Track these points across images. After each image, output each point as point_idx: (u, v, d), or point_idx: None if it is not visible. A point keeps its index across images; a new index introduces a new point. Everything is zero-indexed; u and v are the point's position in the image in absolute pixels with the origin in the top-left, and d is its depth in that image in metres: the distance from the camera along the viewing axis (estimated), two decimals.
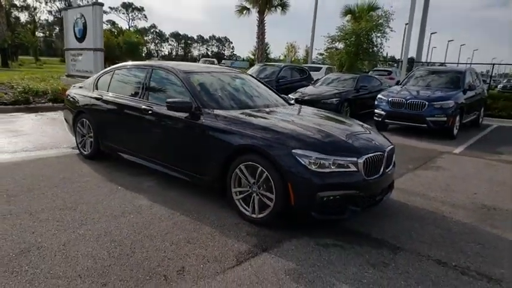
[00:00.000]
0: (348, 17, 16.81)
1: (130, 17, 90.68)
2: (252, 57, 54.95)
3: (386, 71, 18.24)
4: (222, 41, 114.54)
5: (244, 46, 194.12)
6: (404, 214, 3.86)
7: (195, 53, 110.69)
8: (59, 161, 5.05)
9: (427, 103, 8.03)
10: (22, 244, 2.77)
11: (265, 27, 16.02)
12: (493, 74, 21.74)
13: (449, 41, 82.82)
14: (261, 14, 16.11)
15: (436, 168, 5.86)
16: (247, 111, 3.90)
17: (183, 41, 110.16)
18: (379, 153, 3.40)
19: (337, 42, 15.68)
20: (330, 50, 16.11)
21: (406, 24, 15.33)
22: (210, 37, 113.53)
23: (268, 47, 54.11)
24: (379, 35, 14.88)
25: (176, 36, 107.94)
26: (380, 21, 14.62)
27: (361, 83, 10.56)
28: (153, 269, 2.56)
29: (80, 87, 5.58)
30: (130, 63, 5.15)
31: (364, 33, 14.72)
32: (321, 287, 2.47)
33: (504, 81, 33.13)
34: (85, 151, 5.25)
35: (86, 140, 5.23)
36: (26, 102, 9.19)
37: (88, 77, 12.05)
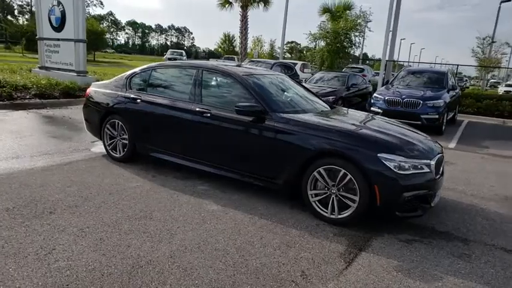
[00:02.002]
0: (326, 15, 17.28)
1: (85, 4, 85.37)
2: (220, 50, 54.49)
3: (359, 69, 19.03)
4: (182, 31, 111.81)
5: (208, 38, 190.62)
6: (449, 208, 4.22)
7: (153, 42, 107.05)
8: (91, 165, 4.82)
9: (421, 102, 8.61)
10: (128, 259, 2.69)
11: (248, 23, 16.02)
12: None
13: (401, 39, 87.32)
14: (244, 8, 16.05)
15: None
16: (313, 114, 4.03)
17: (140, 30, 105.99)
18: (440, 155, 3.71)
19: (318, 40, 16.11)
20: (311, 49, 16.51)
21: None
22: (169, 27, 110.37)
23: (234, 40, 53.96)
24: (357, 34, 15.50)
25: (133, 24, 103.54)
26: (359, 21, 15.23)
27: (351, 81, 11.00)
28: (277, 275, 2.63)
29: (103, 86, 5.34)
30: (169, 62, 5.04)
31: (344, 33, 15.26)
32: (431, 281, 2.70)
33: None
34: (116, 153, 5.06)
35: (117, 142, 5.04)
36: (9, 98, 8.51)
37: (68, 70, 11.45)
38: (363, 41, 15.49)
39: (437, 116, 8.56)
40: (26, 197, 3.66)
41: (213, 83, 4.43)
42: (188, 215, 3.52)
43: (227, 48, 53.24)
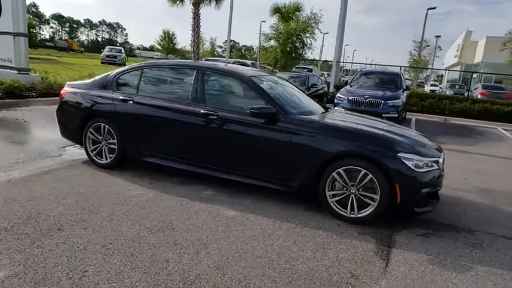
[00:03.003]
0: (277, 15, 17.56)
1: None
2: (159, 47, 52.51)
3: (307, 69, 19.66)
4: (114, 27, 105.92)
5: (143, 34, 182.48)
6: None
7: (83, 37, 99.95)
8: (75, 174, 4.37)
9: (382, 102, 9.16)
10: (174, 275, 2.49)
11: (200, 21, 15.65)
12: None
13: (323, 34, 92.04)
14: (196, 6, 15.63)
15: None
16: (323, 116, 4.07)
17: (67, 24, 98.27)
18: (442, 152, 3.98)
19: (271, 40, 16.33)
20: (267, 48, 16.68)
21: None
22: (100, 22, 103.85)
23: (175, 37, 52.48)
24: (308, 35, 15.99)
25: (59, 18, 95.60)
26: (310, 22, 15.71)
27: (311, 82, 11.33)
28: (329, 278, 2.62)
29: (83, 86, 4.89)
30: (163, 62, 4.75)
31: (296, 34, 15.65)
32: (464, 271, 2.89)
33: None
34: (101, 160, 4.65)
35: (102, 147, 4.64)
36: None
37: (7, 67, 10.23)
38: (314, 42, 16.04)
39: (396, 115, 9.17)
40: (20, 213, 3.22)
41: (217, 84, 4.28)
42: (210, 222, 3.37)
43: (167, 46, 51.63)
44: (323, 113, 4.42)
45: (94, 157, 4.70)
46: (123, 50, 35.01)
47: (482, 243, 3.41)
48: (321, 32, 16.05)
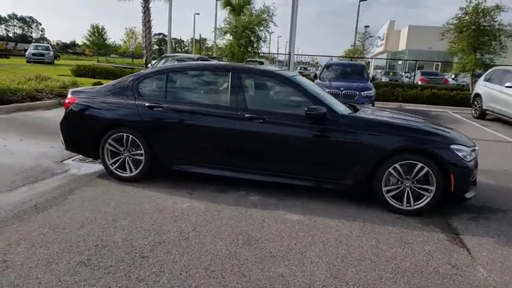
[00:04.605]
0: (228, 8, 17.30)
1: None
2: (88, 43, 48.58)
3: (259, 62, 19.73)
4: (28, 22, 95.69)
5: (62, 30, 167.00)
6: None
7: None
8: (102, 191, 3.93)
9: (357, 93, 9.57)
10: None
11: (151, 16, 14.75)
12: None
13: (271, 32, 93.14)
14: (146, 0, 14.71)
15: None
16: (366, 113, 4.18)
17: None
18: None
19: (226, 34, 16.07)
20: (226, 45, 16.40)
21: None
22: (9, 16, 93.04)
23: (105, 32, 48.94)
24: (262, 28, 16.02)
25: None
26: (264, 15, 15.74)
27: None
28: (437, 271, 2.72)
29: (95, 93, 4.42)
30: (188, 64, 4.45)
31: (250, 28, 15.60)
32: None
33: None
34: (125, 173, 4.26)
35: (124, 159, 4.25)
36: None
37: None
38: (269, 35, 16.14)
39: (370, 105, 9.65)
40: (83, 243, 2.85)
41: (256, 86, 4.14)
42: (284, 229, 3.28)
43: (97, 41, 48.08)
44: (357, 110, 4.52)
45: (115, 170, 4.28)
46: (50, 47, 31.86)
47: None
48: (275, 26, 16.21)
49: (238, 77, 4.06)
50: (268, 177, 4.01)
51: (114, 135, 4.21)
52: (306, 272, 2.62)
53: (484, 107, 10.77)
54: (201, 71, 4.35)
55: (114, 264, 2.58)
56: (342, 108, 4.16)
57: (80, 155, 4.97)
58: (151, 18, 14.97)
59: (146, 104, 4.13)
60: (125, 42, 51.06)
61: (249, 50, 16.01)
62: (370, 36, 33.32)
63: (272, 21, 15.74)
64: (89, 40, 48.89)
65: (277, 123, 3.87)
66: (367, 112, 4.44)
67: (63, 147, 4.63)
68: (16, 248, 2.72)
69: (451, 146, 3.65)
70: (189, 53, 46.15)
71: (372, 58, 51.13)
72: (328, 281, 2.54)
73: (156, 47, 66.33)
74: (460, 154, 3.63)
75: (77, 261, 2.59)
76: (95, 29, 48.05)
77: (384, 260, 2.85)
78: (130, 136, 4.16)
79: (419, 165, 3.62)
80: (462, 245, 3.19)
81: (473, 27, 13.90)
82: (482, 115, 10.93)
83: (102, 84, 12.43)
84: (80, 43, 52.80)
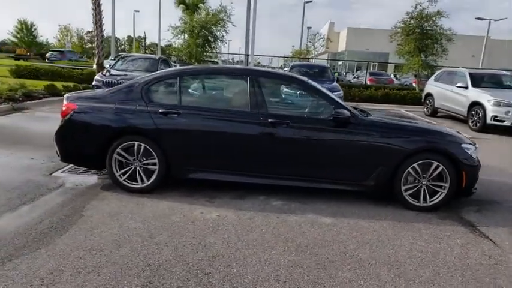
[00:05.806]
0: (181, 7, 16.86)
1: None
2: (15, 39, 44.01)
3: (213, 62, 19.51)
4: None
5: None
6: None
7: None
8: (118, 206, 3.63)
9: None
10: None
11: (102, 11, 13.73)
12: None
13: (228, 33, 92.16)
14: None
15: None
16: (382, 116, 4.35)
17: None
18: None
19: (182, 34, 15.64)
20: (182, 44, 15.92)
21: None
22: None
23: (35, 28, 44.72)
24: (219, 28, 15.86)
25: None
26: (221, 15, 15.58)
27: None
28: (480, 263, 2.93)
29: (97, 100, 4.08)
30: (202, 67, 4.27)
31: (207, 27, 15.37)
32: None
33: None
34: (136, 184, 3.99)
35: (134, 169, 3.98)
36: None
37: None
38: (226, 34, 16.00)
39: None
40: (129, 264, 2.63)
41: (276, 90, 4.12)
42: (326, 233, 3.31)
43: (26, 39, 43.84)
44: (368, 114, 4.67)
45: (124, 182, 3.99)
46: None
47: None
48: (234, 25, 16.13)
49: (257, 81, 4.00)
50: (291, 181, 4.01)
51: (123, 144, 3.92)
52: (372, 275, 2.68)
53: (436, 105, 11.74)
54: (216, 74, 4.21)
55: (181, 284, 2.42)
56: (356, 111, 4.29)
57: (68, 166, 4.57)
58: (102, 16, 14.06)
59: (160, 110, 3.91)
60: (58, 40, 47.35)
61: (207, 50, 15.75)
62: (321, 38, 34.66)
63: (230, 21, 15.66)
64: (16, 37, 44.30)
65: (301, 127, 3.89)
66: (381, 116, 4.62)
67: (44, 159, 4.22)
68: (62, 277, 2.44)
69: (462, 145, 3.95)
70: (124, 52, 44.08)
71: (313, 58, 53.17)
72: (397, 281, 2.62)
73: (90, 44, 62.04)
74: (469, 152, 3.95)
75: (139, 286, 2.38)
76: (23, 25, 43.61)
77: (430, 256, 3.00)
78: (143, 144, 3.91)
79: (435, 164, 3.87)
80: (484, 236, 3.47)
81: (418, 30, 15.09)
82: (434, 113, 11.89)
83: (55, 86, 11.57)
84: (7, 40, 47.68)
